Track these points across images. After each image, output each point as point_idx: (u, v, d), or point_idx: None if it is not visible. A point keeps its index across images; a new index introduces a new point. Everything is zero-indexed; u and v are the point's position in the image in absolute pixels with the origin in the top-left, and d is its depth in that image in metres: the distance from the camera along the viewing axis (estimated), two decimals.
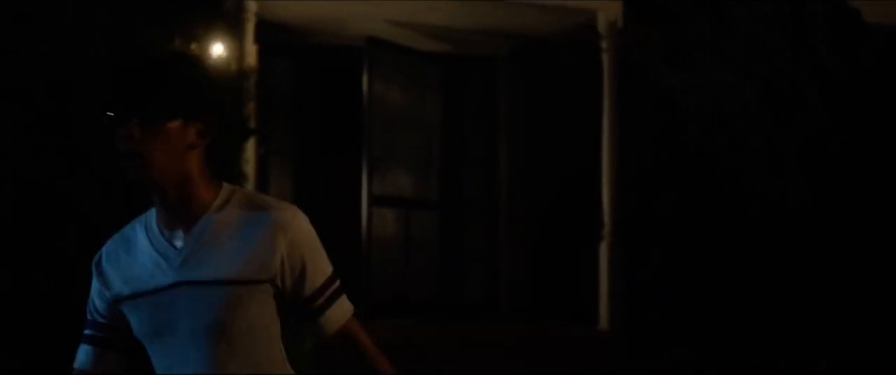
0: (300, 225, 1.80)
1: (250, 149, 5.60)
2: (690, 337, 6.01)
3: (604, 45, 6.66)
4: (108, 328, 1.86)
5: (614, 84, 6.61)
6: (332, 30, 6.87)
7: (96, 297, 1.86)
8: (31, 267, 4.32)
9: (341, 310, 1.84)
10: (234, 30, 5.60)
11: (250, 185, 5.44)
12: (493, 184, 7.53)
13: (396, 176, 6.87)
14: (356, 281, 5.99)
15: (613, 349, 6.20)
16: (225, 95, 2.26)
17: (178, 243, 1.78)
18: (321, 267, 1.83)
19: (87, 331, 1.88)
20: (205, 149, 1.77)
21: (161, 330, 1.78)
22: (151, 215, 1.84)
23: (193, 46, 5.51)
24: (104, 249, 1.88)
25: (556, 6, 6.67)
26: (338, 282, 1.85)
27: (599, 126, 6.59)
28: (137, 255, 1.81)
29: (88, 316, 1.89)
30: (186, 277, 1.77)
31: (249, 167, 5.52)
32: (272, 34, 6.23)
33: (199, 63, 2.03)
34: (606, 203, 6.50)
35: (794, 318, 5.85)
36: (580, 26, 6.76)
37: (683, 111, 6.24)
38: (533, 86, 7.39)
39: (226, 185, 1.82)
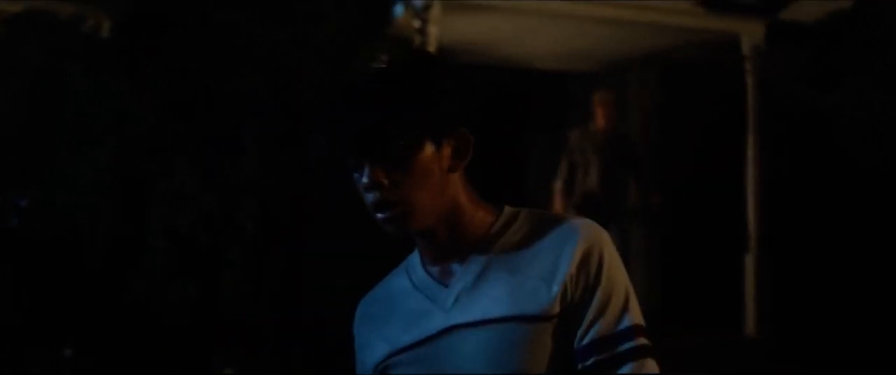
0: (602, 247, 1.38)
1: None
2: (834, 346, 6.36)
3: (747, 66, 7.06)
4: None
5: (758, 103, 7.01)
6: (487, 52, 7.36)
7: (359, 365, 1.54)
8: (266, 271, 4.84)
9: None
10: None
11: None
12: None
13: None
14: None
15: (761, 354, 6.58)
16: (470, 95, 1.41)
17: (450, 280, 1.42)
18: (620, 308, 1.38)
19: None
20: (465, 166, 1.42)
21: None
22: (414, 257, 1.49)
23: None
24: (358, 310, 1.55)
25: (701, 28, 7.08)
26: (643, 339, 1.38)
27: (744, 143, 6.99)
28: (399, 305, 1.47)
29: None
30: (460, 319, 1.40)
31: None
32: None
33: (435, 62, 1.48)
34: (751, 215, 6.89)
35: None
36: (723, 48, 7.17)
37: (827, 127, 6.61)
38: (672, 103, 7.82)
39: (508, 208, 1.46)
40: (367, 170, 1.37)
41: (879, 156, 6.28)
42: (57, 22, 6.09)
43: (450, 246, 1.43)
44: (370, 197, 1.38)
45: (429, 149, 1.37)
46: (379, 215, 1.39)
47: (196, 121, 4.99)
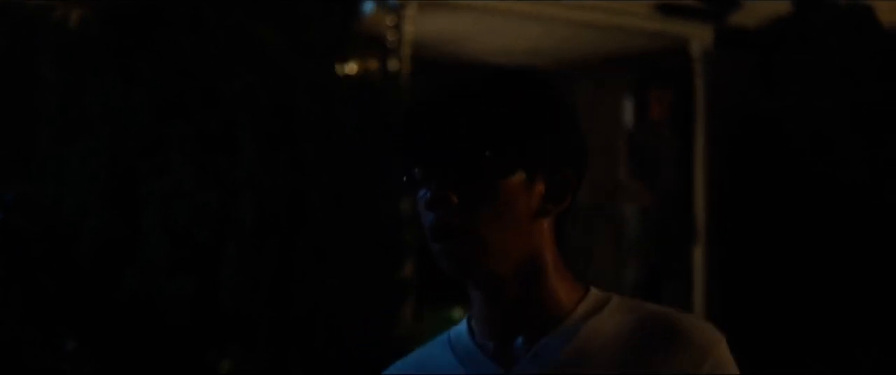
0: (722, 356, 1.12)
1: None
2: (778, 333, 6.81)
3: (697, 69, 7.43)
4: None
5: (707, 105, 7.39)
6: (449, 50, 7.55)
7: None
8: (263, 267, 4.95)
9: None
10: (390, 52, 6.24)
11: None
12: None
13: None
14: None
15: None
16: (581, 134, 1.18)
17: (511, 364, 1.11)
18: None
19: None
20: (558, 219, 1.14)
21: None
22: (461, 325, 1.19)
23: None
24: None
25: (650, 31, 7.42)
26: None
27: (692, 143, 7.37)
28: None
29: None
30: None
31: None
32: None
33: (549, 84, 1.19)
34: (700, 211, 7.29)
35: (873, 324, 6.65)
36: (672, 50, 7.52)
37: (773, 128, 7.04)
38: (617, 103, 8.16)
39: (594, 289, 1.17)
40: (434, 184, 1.08)
41: (822, 156, 6.73)
42: (27, 12, 6.05)
43: (518, 317, 1.11)
44: (430, 217, 1.08)
45: (519, 177, 1.09)
46: (437, 244, 1.08)
47: (191, 118, 5.07)
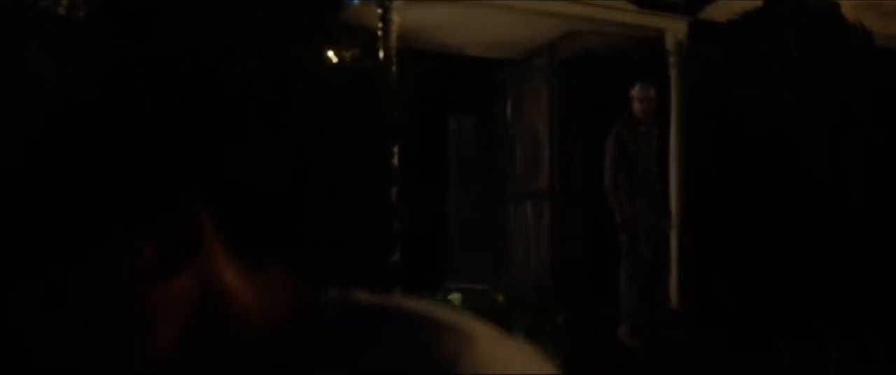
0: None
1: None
2: (747, 316, 7.06)
3: (671, 60, 7.65)
4: None
5: (680, 96, 7.61)
6: (424, 39, 7.68)
7: None
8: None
9: None
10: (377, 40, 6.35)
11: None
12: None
13: None
14: None
15: (685, 323, 7.22)
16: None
17: None
18: None
19: None
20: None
21: None
22: None
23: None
24: None
25: (626, 23, 7.62)
26: None
27: (667, 133, 7.58)
28: None
29: None
30: None
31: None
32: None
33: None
34: (674, 199, 7.50)
35: (832, 307, 6.93)
36: (647, 42, 7.73)
37: (742, 119, 7.28)
38: (592, 93, 8.35)
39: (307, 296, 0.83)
40: None
41: (788, 146, 6.99)
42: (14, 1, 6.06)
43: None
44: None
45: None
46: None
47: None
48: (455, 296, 5.88)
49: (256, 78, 0.91)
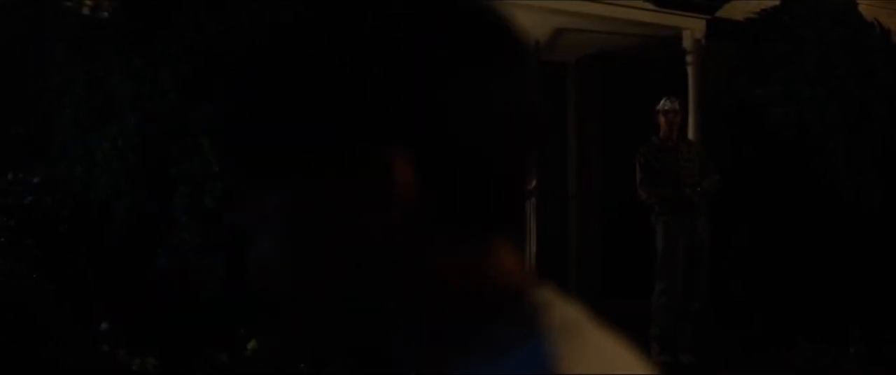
0: None
1: None
2: (763, 313, 7.09)
3: (689, 59, 7.68)
4: None
5: (698, 92, 7.65)
6: None
7: None
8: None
9: None
10: None
11: None
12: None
13: None
14: None
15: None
16: None
17: None
18: None
19: None
20: None
21: None
22: None
23: None
24: None
25: (644, 21, 7.65)
26: None
27: (685, 128, 7.61)
28: None
29: None
30: None
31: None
32: None
33: None
34: None
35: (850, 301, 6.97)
36: (665, 41, 7.76)
37: (762, 116, 7.32)
38: (609, 90, 8.39)
39: None
40: None
41: (806, 143, 7.01)
42: None
43: None
44: None
45: None
46: None
47: (217, 100, 5.17)
48: None
49: None
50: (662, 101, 6.74)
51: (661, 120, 6.70)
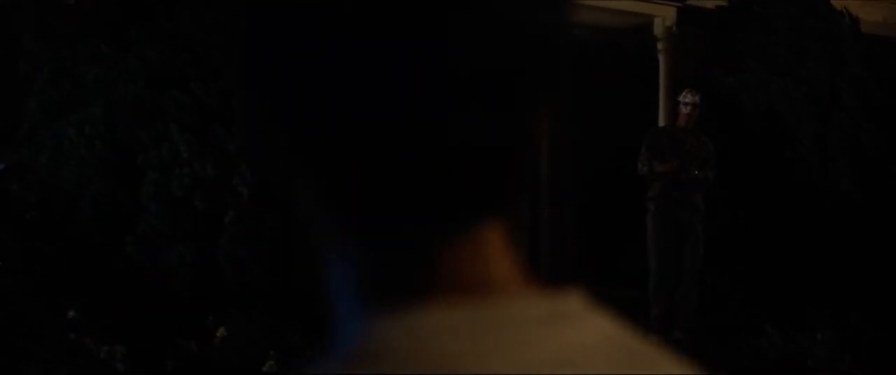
0: None
1: None
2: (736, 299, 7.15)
3: (660, 46, 7.71)
4: None
5: (669, 79, 7.68)
6: None
7: None
8: (264, 238, 5.08)
9: None
10: None
11: None
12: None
13: None
14: None
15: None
16: None
17: None
18: None
19: None
20: None
21: None
22: None
23: None
24: None
25: (615, 8, 7.66)
26: None
27: (655, 116, 7.66)
28: None
29: None
30: None
31: None
32: None
33: None
34: None
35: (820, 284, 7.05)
36: (636, 28, 7.79)
37: (731, 104, 7.36)
38: (579, 78, 8.39)
39: None
40: None
41: (776, 131, 7.07)
42: None
43: None
44: None
45: None
46: None
47: (188, 88, 5.14)
48: None
49: None
50: (684, 93, 6.67)
51: (681, 110, 6.64)
